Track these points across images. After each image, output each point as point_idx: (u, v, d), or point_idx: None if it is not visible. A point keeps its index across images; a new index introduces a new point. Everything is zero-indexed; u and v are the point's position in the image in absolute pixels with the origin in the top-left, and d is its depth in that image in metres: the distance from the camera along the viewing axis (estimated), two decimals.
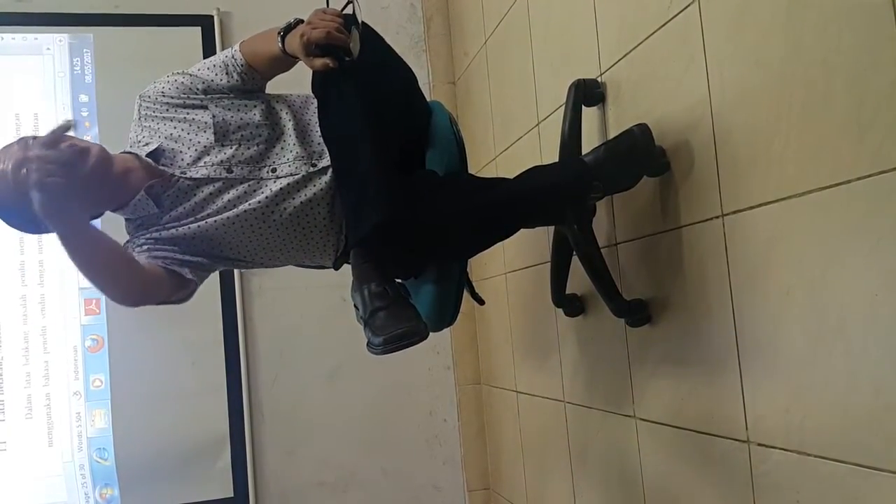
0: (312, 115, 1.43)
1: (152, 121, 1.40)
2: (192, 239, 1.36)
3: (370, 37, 1.29)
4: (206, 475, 2.58)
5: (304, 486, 2.69)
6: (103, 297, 2.53)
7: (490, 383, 2.76)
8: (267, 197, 1.35)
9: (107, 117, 2.58)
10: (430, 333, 1.25)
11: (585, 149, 1.63)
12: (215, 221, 1.35)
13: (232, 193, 1.36)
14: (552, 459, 2.19)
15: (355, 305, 1.22)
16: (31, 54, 2.60)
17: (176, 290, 1.35)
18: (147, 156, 1.36)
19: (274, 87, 1.47)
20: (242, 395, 2.63)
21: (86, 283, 2.53)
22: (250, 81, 1.41)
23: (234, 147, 1.37)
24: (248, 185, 1.36)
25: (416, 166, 1.43)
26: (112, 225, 1.41)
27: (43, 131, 1.36)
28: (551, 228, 1.84)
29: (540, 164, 1.66)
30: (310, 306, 2.71)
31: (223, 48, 2.48)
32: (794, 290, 1.16)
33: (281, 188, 1.36)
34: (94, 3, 2.67)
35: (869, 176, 1.01)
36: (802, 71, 1.12)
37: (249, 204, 1.35)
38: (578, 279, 1.80)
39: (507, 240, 1.47)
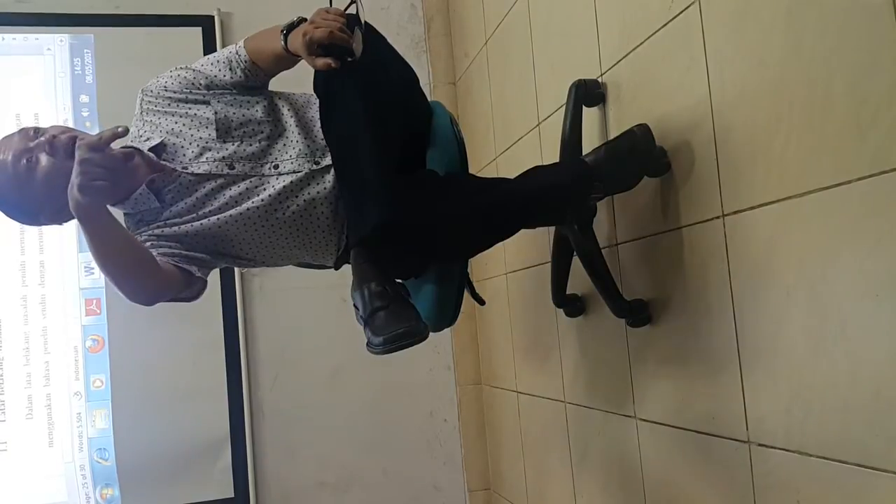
0: (315, 114, 1.43)
1: (154, 115, 1.40)
2: (195, 236, 1.36)
3: (372, 37, 1.29)
4: (206, 475, 2.58)
5: (305, 487, 2.69)
6: (104, 298, 2.55)
7: (490, 383, 2.76)
8: (270, 195, 1.35)
9: (107, 118, 2.58)
10: (431, 333, 1.24)
11: (586, 149, 1.63)
12: (218, 219, 1.35)
13: (234, 190, 1.36)
14: (553, 460, 2.19)
15: (355, 305, 1.22)
16: (31, 54, 2.60)
17: (185, 287, 1.35)
18: (149, 151, 1.36)
19: (276, 85, 1.47)
20: (243, 395, 2.63)
21: (86, 283, 2.55)
22: (253, 78, 1.41)
23: (236, 143, 1.37)
24: (251, 182, 1.36)
25: (417, 166, 1.43)
26: None
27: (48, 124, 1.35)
28: (552, 229, 1.84)
29: (541, 164, 1.66)
30: (310, 307, 2.71)
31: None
32: (795, 290, 1.16)
33: (284, 186, 1.36)
34: (95, 4, 2.67)
35: (870, 176, 1.01)
36: (803, 71, 1.12)
37: (253, 202, 1.35)
38: (579, 279, 1.80)
39: (508, 240, 1.47)
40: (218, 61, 1.40)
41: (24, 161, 1.29)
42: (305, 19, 1.27)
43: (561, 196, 1.48)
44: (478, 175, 1.51)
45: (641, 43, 1.55)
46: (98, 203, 1.15)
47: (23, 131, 1.31)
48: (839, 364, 1.07)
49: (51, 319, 2.54)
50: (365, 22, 1.25)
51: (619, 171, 1.49)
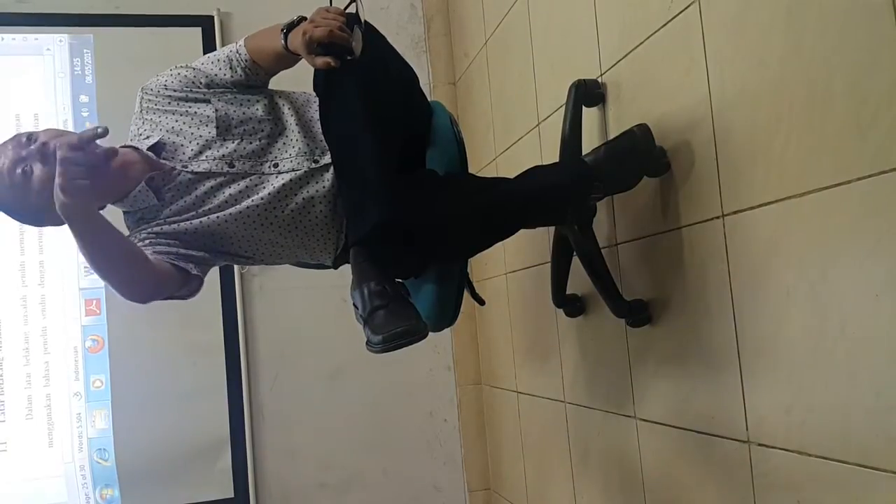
0: (314, 113, 1.43)
1: (154, 114, 1.40)
2: (193, 233, 1.36)
3: (372, 36, 1.29)
4: (206, 476, 2.57)
5: (305, 487, 2.69)
6: (104, 298, 2.54)
7: (490, 383, 2.76)
8: (270, 193, 1.35)
9: (107, 118, 2.57)
10: (430, 333, 1.24)
11: (586, 149, 1.63)
12: (218, 217, 1.36)
13: (234, 188, 1.36)
14: (553, 460, 2.19)
15: (355, 304, 1.22)
16: (31, 55, 2.60)
17: (181, 285, 1.34)
18: (148, 149, 1.36)
19: (275, 84, 1.47)
20: (243, 395, 2.62)
21: (86, 283, 2.55)
22: (254, 77, 1.41)
23: (236, 141, 1.37)
24: (250, 180, 1.36)
25: (417, 166, 1.44)
26: (112, 218, 1.41)
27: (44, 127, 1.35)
28: (551, 229, 1.84)
29: (540, 164, 1.66)
30: (310, 307, 2.71)
31: None
32: (795, 290, 1.16)
33: (283, 184, 1.36)
34: (95, 4, 2.67)
35: (869, 176, 1.00)
36: (803, 71, 1.12)
37: (252, 200, 1.35)
38: (579, 279, 1.80)
39: (508, 240, 1.47)
40: (219, 60, 1.40)
41: (20, 171, 1.28)
42: (305, 18, 1.27)
43: (561, 196, 1.48)
44: (477, 175, 1.51)
45: (641, 43, 1.55)
46: (82, 202, 1.14)
47: (15, 139, 1.30)
48: (839, 364, 1.07)
49: (50, 320, 2.54)
50: (365, 21, 1.25)
51: (618, 171, 1.49)
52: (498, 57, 2.47)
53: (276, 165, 1.37)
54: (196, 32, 2.70)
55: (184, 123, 1.38)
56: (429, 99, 1.55)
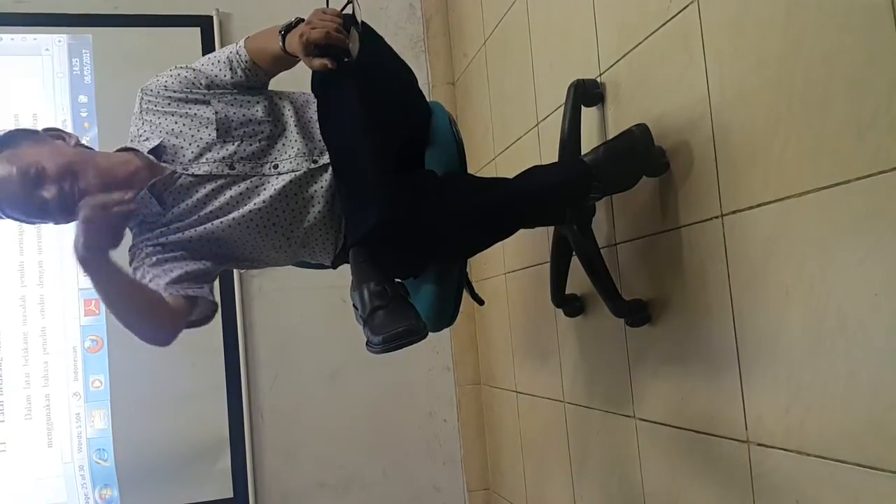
0: (314, 114, 1.43)
1: (153, 115, 1.40)
2: (198, 241, 1.37)
3: (370, 37, 1.29)
4: (205, 476, 2.57)
5: (305, 487, 2.69)
6: None
7: (490, 383, 2.76)
8: (271, 196, 1.35)
9: (106, 118, 2.58)
10: (430, 333, 1.25)
11: (585, 149, 1.63)
12: (222, 223, 1.36)
13: (234, 190, 1.36)
14: (552, 460, 2.19)
15: (354, 305, 1.22)
16: (30, 55, 2.60)
17: (191, 310, 1.36)
18: (148, 152, 1.36)
19: (275, 84, 1.47)
20: (242, 395, 2.62)
21: (85, 283, 2.55)
22: (254, 78, 1.41)
23: (236, 143, 1.37)
24: (251, 182, 1.36)
25: (416, 166, 1.43)
26: None
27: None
28: (551, 228, 1.84)
29: (539, 164, 1.66)
30: (310, 307, 2.71)
31: None
32: (794, 290, 1.16)
33: (284, 185, 1.36)
34: (94, 4, 2.67)
35: (869, 176, 1.01)
36: (802, 71, 1.12)
37: (255, 203, 1.35)
38: (578, 279, 1.80)
39: (507, 240, 1.47)
40: (219, 61, 1.40)
41: (37, 207, 1.29)
42: (303, 20, 1.27)
43: (560, 196, 1.48)
44: (477, 175, 1.51)
45: (640, 43, 1.55)
46: (103, 255, 1.17)
47: (23, 177, 1.27)
48: (838, 364, 1.07)
49: (50, 320, 2.53)
50: (362, 22, 1.25)
51: (617, 171, 1.49)
52: (497, 57, 2.47)
53: (276, 167, 1.37)
54: (195, 32, 2.70)
55: (184, 125, 1.38)
56: (428, 99, 1.55)
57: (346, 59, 1.21)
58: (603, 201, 1.68)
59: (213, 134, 1.37)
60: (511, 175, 1.49)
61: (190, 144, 1.37)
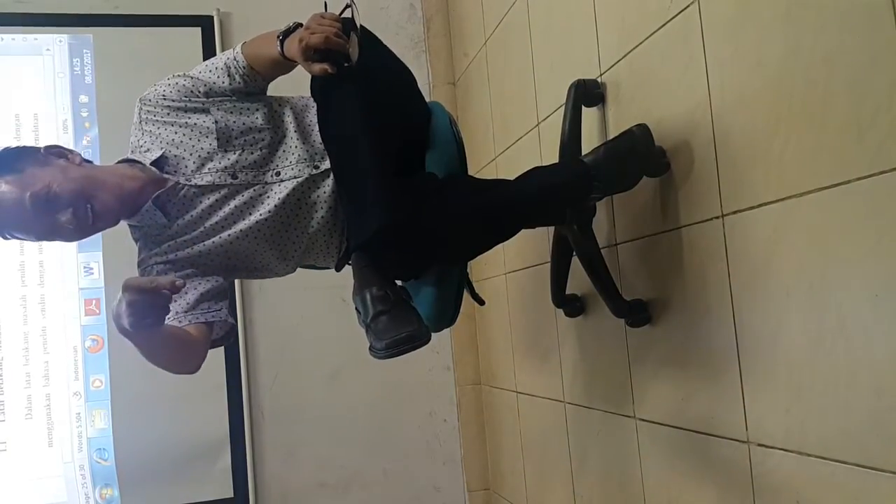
0: (313, 118, 1.43)
1: (153, 125, 1.39)
2: (207, 255, 1.36)
3: (369, 41, 1.29)
4: (206, 476, 2.57)
5: (305, 487, 2.69)
6: (103, 298, 2.55)
7: (490, 384, 2.76)
8: (276, 205, 1.35)
9: (107, 118, 2.58)
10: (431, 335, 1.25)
11: (585, 149, 1.63)
12: (229, 235, 1.35)
13: (238, 200, 1.35)
14: (552, 460, 2.19)
15: (357, 309, 1.22)
16: (30, 55, 2.60)
17: (211, 331, 1.36)
18: (151, 164, 1.36)
19: (274, 89, 1.47)
20: (242, 395, 2.63)
21: (85, 283, 2.55)
22: (252, 84, 1.40)
23: (237, 152, 1.37)
24: (254, 191, 1.36)
25: (417, 168, 1.43)
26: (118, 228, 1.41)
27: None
28: (551, 229, 1.84)
29: (540, 164, 1.66)
30: (310, 307, 2.71)
31: (223, 49, 2.48)
32: (795, 290, 1.16)
33: (287, 193, 1.35)
34: (94, 4, 2.67)
35: (869, 176, 1.01)
36: (802, 71, 1.12)
37: (260, 213, 1.35)
38: (578, 279, 1.80)
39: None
40: (217, 68, 1.39)
41: (49, 230, 1.28)
42: (301, 24, 1.26)
43: (560, 196, 1.48)
44: (477, 176, 1.51)
45: (641, 43, 1.55)
46: (147, 330, 1.13)
47: (35, 201, 1.24)
48: (839, 364, 1.07)
49: (50, 319, 2.54)
50: (360, 25, 1.25)
51: (618, 172, 1.49)
52: (497, 57, 2.47)
53: (278, 174, 1.37)
54: (196, 32, 2.70)
55: (184, 136, 1.37)
56: (428, 99, 1.54)
57: (345, 64, 1.21)
58: (603, 201, 1.68)
59: (214, 144, 1.36)
60: (511, 175, 1.49)
61: (191, 155, 1.36)
